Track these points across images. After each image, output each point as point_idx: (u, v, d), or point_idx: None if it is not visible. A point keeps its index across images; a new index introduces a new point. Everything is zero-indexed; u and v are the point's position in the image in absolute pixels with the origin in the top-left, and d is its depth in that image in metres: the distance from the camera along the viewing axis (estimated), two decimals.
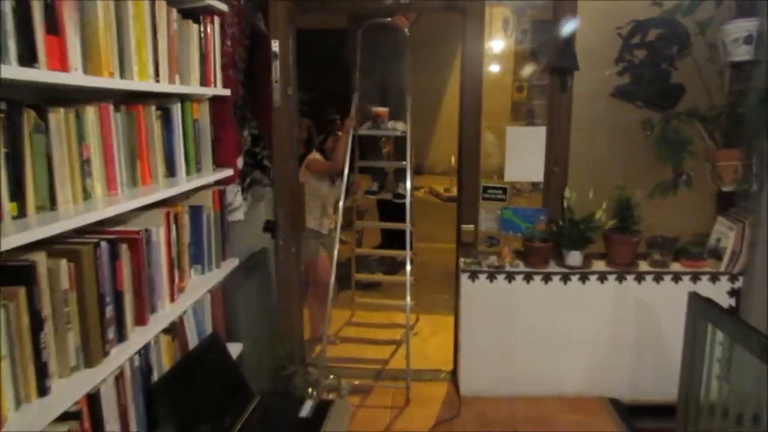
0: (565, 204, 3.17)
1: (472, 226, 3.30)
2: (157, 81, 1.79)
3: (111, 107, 1.61)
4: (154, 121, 1.85)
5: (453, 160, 7.31)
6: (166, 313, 1.81)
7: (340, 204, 3.84)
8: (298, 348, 3.33)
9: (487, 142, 3.28)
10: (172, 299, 1.86)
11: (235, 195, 2.49)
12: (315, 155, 4.25)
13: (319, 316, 4.16)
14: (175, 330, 1.91)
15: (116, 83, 1.57)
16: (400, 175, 4.27)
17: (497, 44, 3.24)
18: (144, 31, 1.70)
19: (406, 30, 3.95)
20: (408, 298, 3.58)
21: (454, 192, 5.56)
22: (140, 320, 1.67)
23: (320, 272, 4.17)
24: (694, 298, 2.35)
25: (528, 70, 3.35)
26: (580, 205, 3.16)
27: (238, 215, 2.58)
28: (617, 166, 3.24)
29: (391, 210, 4.84)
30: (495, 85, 3.24)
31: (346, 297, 4.79)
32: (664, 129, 3.16)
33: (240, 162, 2.63)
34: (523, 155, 3.22)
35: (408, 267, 3.72)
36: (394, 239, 5.70)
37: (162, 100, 1.93)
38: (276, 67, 2.61)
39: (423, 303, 4.73)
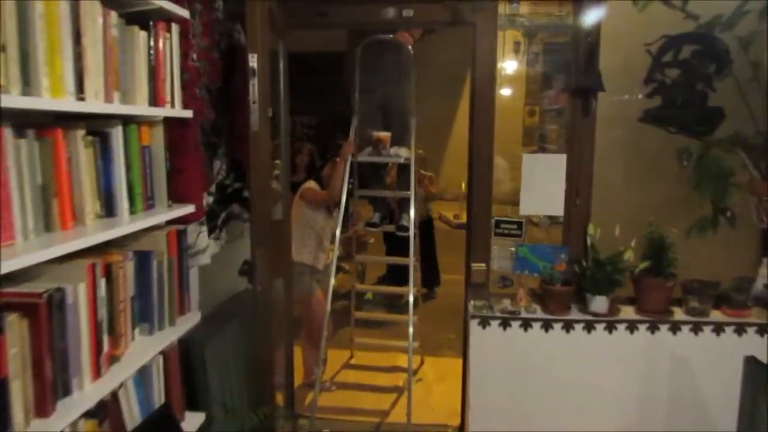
0: (589, 242, 2.83)
1: (483, 265, 2.99)
2: (81, 98, 1.42)
3: (8, 132, 1.24)
4: (81, 150, 1.47)
5: (463, 186, 7.03)
6: (86, 393, 1.42)
7: (337, 232, 3.52)
8: (285, 403, 2.94)
9: (496, 167, 2.98)
10: (97, 375, 1.46)
11: (198, 236, 2.11)
12: (310, 183, 3.92)
13: (313, 359, 3.84)
14: (104, 411, 1.51)
15: (11, 101, 1.20)
16: (405, 204, 3.92)
17: (508, 66, 2.99)
18: (59, 35, 1.33)
19: (410, 48, 3.66)
20: (411, 339, 3.37)
21: (464, 218, 5.25)
22: (41, 411, 1.28)
23: (315, 311, 3.85)
24: (752, 364, 1.94)
25: (541, 93, 3.13)
26: (605, 242, 2.82)
27: (204, 259, 2.19)
28: (646, 200, 2.93)
29: (399, 241, 4.49)
30: (506, 109, 3.00)
31: (345, 336, 4.44)
32: (702, 158, 2.78)
33: (208, 196, 2.26)
34: (540, 186, 2.91)
35: (411, 306, 3.46)
36: (400, 271, 5.35)
37: (97, 123, 1.57)
38: (254, 85, 2.25)
39: (428, 343, 4.38)
